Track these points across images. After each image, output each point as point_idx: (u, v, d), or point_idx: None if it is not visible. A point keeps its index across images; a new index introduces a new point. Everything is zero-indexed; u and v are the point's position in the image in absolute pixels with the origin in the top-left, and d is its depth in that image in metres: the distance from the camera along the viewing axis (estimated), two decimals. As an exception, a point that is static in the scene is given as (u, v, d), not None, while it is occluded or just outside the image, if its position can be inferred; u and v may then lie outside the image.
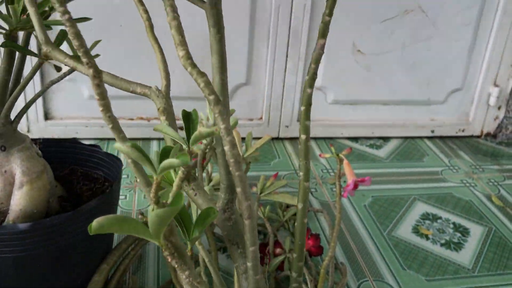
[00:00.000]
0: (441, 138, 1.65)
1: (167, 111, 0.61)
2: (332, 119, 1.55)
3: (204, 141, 1.10)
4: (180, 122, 1.42)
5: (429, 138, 1.64)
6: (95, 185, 0.89)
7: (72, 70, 0.76)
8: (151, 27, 0.67)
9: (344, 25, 1.41)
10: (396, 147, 1.56)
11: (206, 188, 1.14)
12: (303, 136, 0.61)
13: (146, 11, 0.66)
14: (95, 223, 0.39)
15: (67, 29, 0.38)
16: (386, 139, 1.60)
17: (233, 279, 0.94)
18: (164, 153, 0.45)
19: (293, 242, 1.05)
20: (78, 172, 0.91)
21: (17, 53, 0.70)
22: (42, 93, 0.75)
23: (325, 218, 1.12)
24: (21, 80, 0.73)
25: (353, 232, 1.12)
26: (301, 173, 0.65)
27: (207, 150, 1.08)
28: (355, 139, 1.59)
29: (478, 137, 1.69)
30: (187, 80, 1.38)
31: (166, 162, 0.42)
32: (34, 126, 1.34)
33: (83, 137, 1.38)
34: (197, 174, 1.05)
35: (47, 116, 1.36)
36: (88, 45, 0.77)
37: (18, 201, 0.74)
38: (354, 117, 1.56)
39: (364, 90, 1.53)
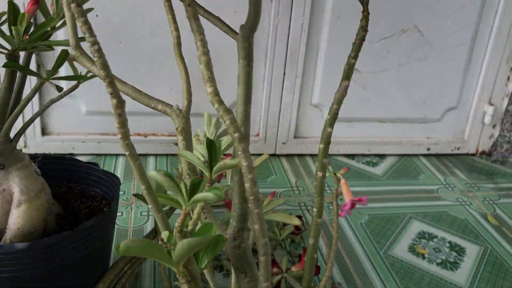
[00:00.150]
0: (437, 156, 1.66)
1: (185, 131, 0.62)
2: (329, 137, 1.55)
3: (202, 158, 1.10)
4: (175, 138, 1.42)
5: (425, 155, 1.65)
6: (93, 202, 0.89)
7: (72, 89, 0.76)
8: (179, 45, 0.67)
9: (341, 44, 1.42)
10: (392, 164, 1.56)
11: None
12: (319, 173, 0.61)
13: (177, 29, 0.66)
14: (123, 245, 0.41)
15: (95, 59, 0.39)
16: (382, 156, 1.61)
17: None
18: (194, 185, 0.45)
19: (290, 261, 1.05)
20: (76, 190, 0.91)
21: (18, 72, 0.70)
22: (42, 111, 0.75)
23: (322, 237, 1.12)
24: (21, 99, 0.73)
25: (349, 251, 1.12)
26: (314, 209, 0.65)
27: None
28: (351, 156, 1.59)
29: (474, 155, 1.70)
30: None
31: (200, 196, 0.43)
32: (31, 141, 1.34)
33: (79, 153, 1.38)
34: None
35: (44, 132, 1.36)
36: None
37: (16, 220, 0.74)
38: (351, 134, 1.57)
39: (360, 108, 1.54)
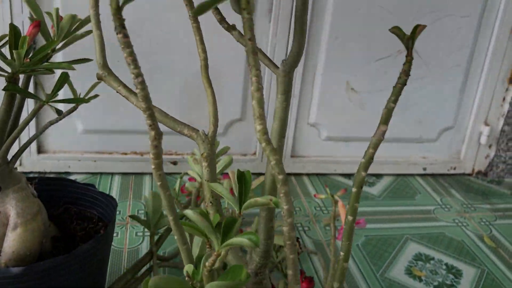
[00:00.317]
0: (433, 175, 1.66)
1: (210, 158, 0.61)
2: (326, 156, 1.55)
3: (199, 179, 1.09)
4: (173, 157, 1.42)
5: (421, 175, 1.65)
6: (89, 224, 0.88)
7: (71, 111, 0.76)
8: (206, 67, 0.66)
9: (339, 64, 1.43)
10: (388, 184, 1.56)
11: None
12: (350, 218, 0.61)
13: (204, 51, 0.66)
14: (152, 282, 0.40)
15: (137, 91, 0.38)
16: (379, 176, 1.61)
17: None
18: (228, 225, 0.44)
19: (287, 284, 1.04)
20: (72, 211, 0.90)
21: (17, 94, 0.69)
22: (40, 133, 0.75)
23: (319, 260, 1.12)
24: (19, 121, 0.73)
25: (346, 273, 1.11)
26: (341, 253, 0.64)
27: (201, 189, 1.07)
28: (348, 175, 1.59)
29: (470, 175, 1.70)
30: (182, 116, 1.38)
31: (235, 240, 0.42)
32: (26, 159, 1.33)
33: (75, 171, 1.37)
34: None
35: (40, 150, 1.35)
36: (87, 83, 0.77)
37: (12, 243, 0.73)
38: (347, 153, 1.57)
39: (357, 127, 1.54)
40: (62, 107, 1.13)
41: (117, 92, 0.62)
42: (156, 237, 0.95)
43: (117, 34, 0.35)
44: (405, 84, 0.54)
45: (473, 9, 1.46)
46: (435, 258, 1.20)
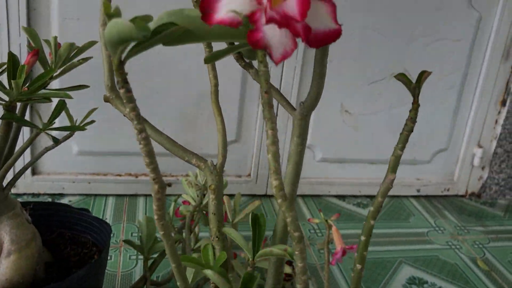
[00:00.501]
0: (427, 197, 1.66)
1: (218, 190, 0.60)
2: (320, 177, 1.56)
3: (193, 203, 1.09)
4: (167, 179, 1.42)
5: (414, 197, 1.65)
6: (83, 249, 0.88)
7: (67, 138, 0.76)
8: (216, 93, 0.66)
9: (333, 86, 1.44)
10: (382, 206, 1.56)
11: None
12: (358, 266, 0.60)
13: (215, 77, 0.65)
14: None
15: (140, 146, 0.38)
16: (373, 197, 1.61)
17: None
18: (246, 282, 0.44)
19: (282, 309, 1.04)
20: (66, 236, 0.90)
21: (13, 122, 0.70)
22: (36, 160, 0.75)
23: (313, 285, 1.11)
24: (15, 147, 0.73)
25: (341, 298, 1.11)
26: None
27: (196, 212, 1.07)
28: (342, 197, 1.59)
29: (463, 196, 1.71)
30: (178, 137, 1.38)
31: None
32: (20, 181, 1.33)
33: (69, 193, 1.37)
34: (184, 236, 1.04)
35: (34, 171, 1.34)
36: (85, 108, 0.77)
37: (5, 270, 0.72)
38: (342, 175, 1.57)
39: (351, 149, 1.55)
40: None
41: (124, 115, 0.61)
42: (150, 262, 0.95)
43: (119, 89, 0.35)
44: (412, 131, 0.55)
45: (466, 33, 1.48)
46: (429, 282, 1.20)
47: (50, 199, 1.34)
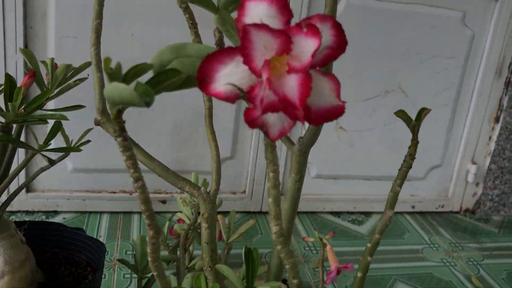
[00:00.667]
0: (421, 213, 1.67)
1: (211, 218, 0.59)
2: (315, 194, 1.56)
3: (188, 221, 1.09)
4: (162, 196, 1.41)
5: (409, 213, 1.66)
6: (77, 269, 0.87)
7: (62, 158, 0.76)
8: (210, 116, 0.65)
9: (328, 103, 1.45)
10: (377, 222, 1.57)
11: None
12: None
13: (210, 99, 0.64)
14: None
15: (137, 193, 0.38)
16: (367, 214, 1.62)
17: None
18: None
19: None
20: (60, 256, 0.89)
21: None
22: (31, 180, 0.75)
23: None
24: (10, 168, 0.73)
25: (336, 316, 1.10)
26: None
27: (190, 231, 1.07)
28: (337, 213, 1.59)
29: (457, 212, 1.71)
30: (173, 154, 1.38)
31: None
32: (14, 198, 1.32)
33: (64, 210, 1.36)
34: (179, 255, 1.04)
35: (28, 189, 1.34)
36: (79, 125, 0.77)
37: (-1, 292, 0.72)
38: (337, 191, 1.58)
39: (346, 165, 1.55)
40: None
41: (115, 140, 0.61)
42: (144, 281, 0.94)
43: (116, 138, 0.35)
44: (411, 167, 0.55)
45: (459, 51, 1.50)
46: (424, 300, 1.20)
47: (44, 217, 1.33)
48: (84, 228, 1.31)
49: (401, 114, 0.53)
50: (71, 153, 1.30)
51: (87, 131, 0.76)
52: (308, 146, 0.56)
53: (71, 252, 0.90)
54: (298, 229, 1.46)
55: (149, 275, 0.98)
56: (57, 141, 0.83)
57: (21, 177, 1.31)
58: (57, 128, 0.68)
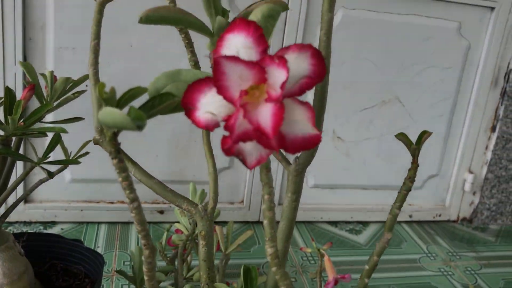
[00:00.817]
0: (419, 222, 1.67)
1: (209, 236, 0.59)
2: (312, 203, 1.56)
3: (186, 232, 1.09)
4: (160, 206, 1.42)
5: (407, 222, 1.66)
6: (75, 281, 0.87)
7: (61, 170, 0.76)
8: (208, 134, 0.65)
9: (325, 113, 1.45)
10: (375, 232, 1.57)
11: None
12: None
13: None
14: None
15: (132, 215, 0.39)
16: (365, 223, 1.62)
17: None
18: None
19: None
20: (58, 267, 0.89)
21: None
22: (30, 192, 0.75)
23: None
24: (9, 180, 0.73)
25: (334, 327, 1.10)
26: None
27: (188, 241, 1.07)
28: (334, 223, 1.60)
29: (455, 222, 1.72)
30: (171, 164, 1.39)
31: None
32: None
33: (61, 221, 1.36)
34: (177, 265, 1.04)
35: (26, 199, 1.34)
36: (77, 135, 0.77)
37: (-3, 304, 0.72)
38: (334, 201, 1.58)
39: (343, 175, 1.56)
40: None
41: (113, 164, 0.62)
42: (143, 293, 0.94)
43: (112, 159, 0.36)
44: (410, 190, 0.56)
45: (455, 62, 1.51)
46: (422, 310, 1.20)
47: (42, 227, 1.33)
48: (82, 239, 1.31)
49: (402, 137, 0.53)
50: (71, 166, 1.31)
51: (86, 143, 0.77)
52: (305, 166, 0.57)
53: (69, 263, 0.90)
54: (296, 239, 1.46)
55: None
56: (56, 153, 0.83)
57: (19, 188, 1.31)
58: (57, 141, 0.68)
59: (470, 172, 1.65)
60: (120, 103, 0.33)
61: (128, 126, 0.30)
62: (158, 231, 1.39)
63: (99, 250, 1.27)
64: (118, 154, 0.36)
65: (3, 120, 0.65)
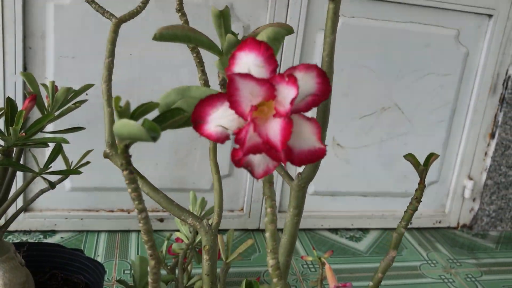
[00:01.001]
0: (419, 229, 1.67)
1: (213, 251, 0.59)
2: (313, 210, 1.56)
3: (186, 240, 1.09)
4: (159, 214, 1.41)
5: (407, 229, 1.66)
6: (76, 291, 0.87)
7: (62, 180, 0.76)
8: (215, 151, 0.65)
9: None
10: (375, 239, 1.57)
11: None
12: None
13: None
14: None
15: (140, 225, 0.39)
16: (365, 230, 1.62)
17: None
18: None
19: None
20: (59, 277, 0.89)
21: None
22: (31, 202, 0.75)
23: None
24: (10, 190, 0.73)
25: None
26: None
27: (189, 250, 1.07)
28: (335, 230, 1.60)
29: (455, 228, 1.72)
30: (171, 173, 1.38)
31: None
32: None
33: (61, 230, 1.36)
34: (177, 274, 1.04)
35: (26, 208, 1.34)
36: (78, 144, 0.77)
37: (-2, 315, 0.71)
38: (334, 208, 1.58)
39: (343, 182, 1.56)
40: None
41: (122, 172, 0.62)
42: (143, 302, 0.94)
43: (122, 170, 0.36)
44: (417, 210, 0.56)
45: (454, 68, 1.52)
46: (423, 317, 1.20)
47: (42, 236, 1.33)
48: (82, 247, 1.31)
49: (410, 158, 0.54)
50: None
51: (87, 153, 0.77)
52: (307, 182, 0.57)
53: (70, 273, 0.89)
54: (296, 247, 1.46)
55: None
56: (57, 162, 0.83)
57: (20, 198, 1.31)
58: (58, 151, 0.68)
59: (470, 178, 1.65)
60: (133, 117, 0.34)
61: (144, 137, 0.31)
62: (158, 239, 1.39)
63: (99, 259, 1.26)
64: (128, 166, 0.36)
65: (3, 130, 0.65)
